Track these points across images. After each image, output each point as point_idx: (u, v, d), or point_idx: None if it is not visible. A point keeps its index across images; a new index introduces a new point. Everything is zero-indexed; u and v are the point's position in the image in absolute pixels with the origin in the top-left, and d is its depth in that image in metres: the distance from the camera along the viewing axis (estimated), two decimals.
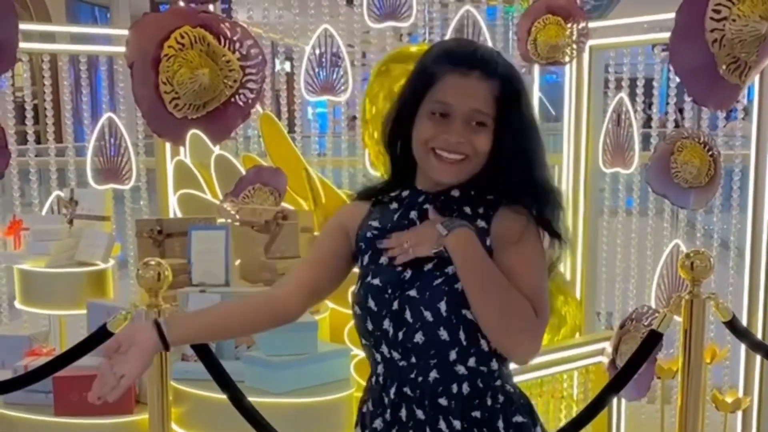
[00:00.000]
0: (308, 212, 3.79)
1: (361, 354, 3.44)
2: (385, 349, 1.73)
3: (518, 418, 1.73)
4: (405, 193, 1.79)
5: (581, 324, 4.20)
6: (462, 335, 1.65)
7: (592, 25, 4.21)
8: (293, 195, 3.98)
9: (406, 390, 1.72)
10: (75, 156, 4.51)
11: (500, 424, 1.70)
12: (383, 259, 1.74)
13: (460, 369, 1.68)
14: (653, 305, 3.88)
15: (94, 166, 4.18)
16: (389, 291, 1.70)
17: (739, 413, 3.83)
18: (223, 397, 2.71)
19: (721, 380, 4.26)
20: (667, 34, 3.52)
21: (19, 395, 3.06)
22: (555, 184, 1.76)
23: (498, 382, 1.72)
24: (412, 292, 1.68)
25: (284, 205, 3.77)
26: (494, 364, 1.70)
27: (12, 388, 2.94)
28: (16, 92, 5.40)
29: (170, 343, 1.66)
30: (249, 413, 2.66)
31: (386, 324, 1.70)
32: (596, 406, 2.84)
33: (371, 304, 1.72)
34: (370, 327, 1.73)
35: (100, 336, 2.72)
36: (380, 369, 1.77)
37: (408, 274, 1.70)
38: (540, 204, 1.69)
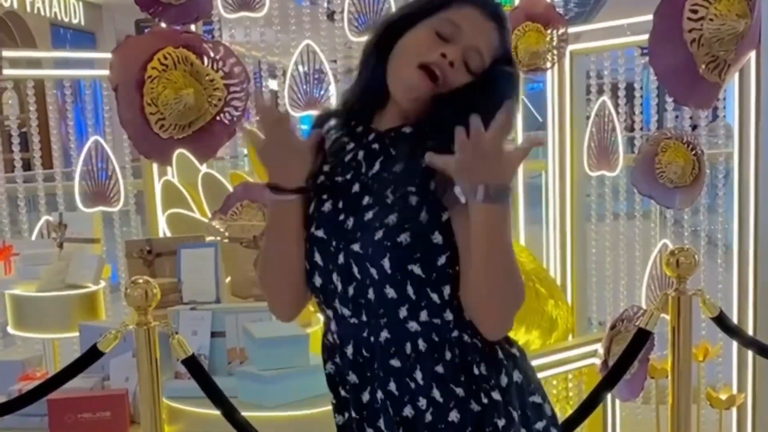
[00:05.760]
0: None
1: None
2: (337, 304, 1.63)
3: (480, 369, 1.59)
4: (360, 129, 1.68)
5: (573, 328, 4.22)
6: (410, 290, 1.55)
7: (572, 30, 4.25)
8: None
9: (362, 350, 1.63)
10: (63, 181, 4.52)
11: (462, 377, 1.58)
12: (326, 206, 1.64)
13: (413, 326, 1.58)
14: (644, 306, 3.89)
15: (83, 189, 4.19)
16: (334, 244, 1.61)
17: (734, 410, 3.84)
18: (217, 413, 2.71)
19: (715, 378, 4.27)
20: (645, 36, 3.55)
21: (14, 420, 3.04)
22: None
23: (455, 333, 1.59)
24: (356, 247, 1.57)
25: None
26: (448, 315, 1.58)
27: (6, 411, 2.94)
28: (4, 122, 5.42)
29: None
30: (243, 428, 2.66)
31: (335, 279, 1.61)
32: (589, 404, 2.85)
33: (317, 258, 1.63)
34: (318, 282, 1.65)
35: (91, 357, 2.72)
36: (333, 326, 1.68)
37: (350, 222, 1.59)
38: None
